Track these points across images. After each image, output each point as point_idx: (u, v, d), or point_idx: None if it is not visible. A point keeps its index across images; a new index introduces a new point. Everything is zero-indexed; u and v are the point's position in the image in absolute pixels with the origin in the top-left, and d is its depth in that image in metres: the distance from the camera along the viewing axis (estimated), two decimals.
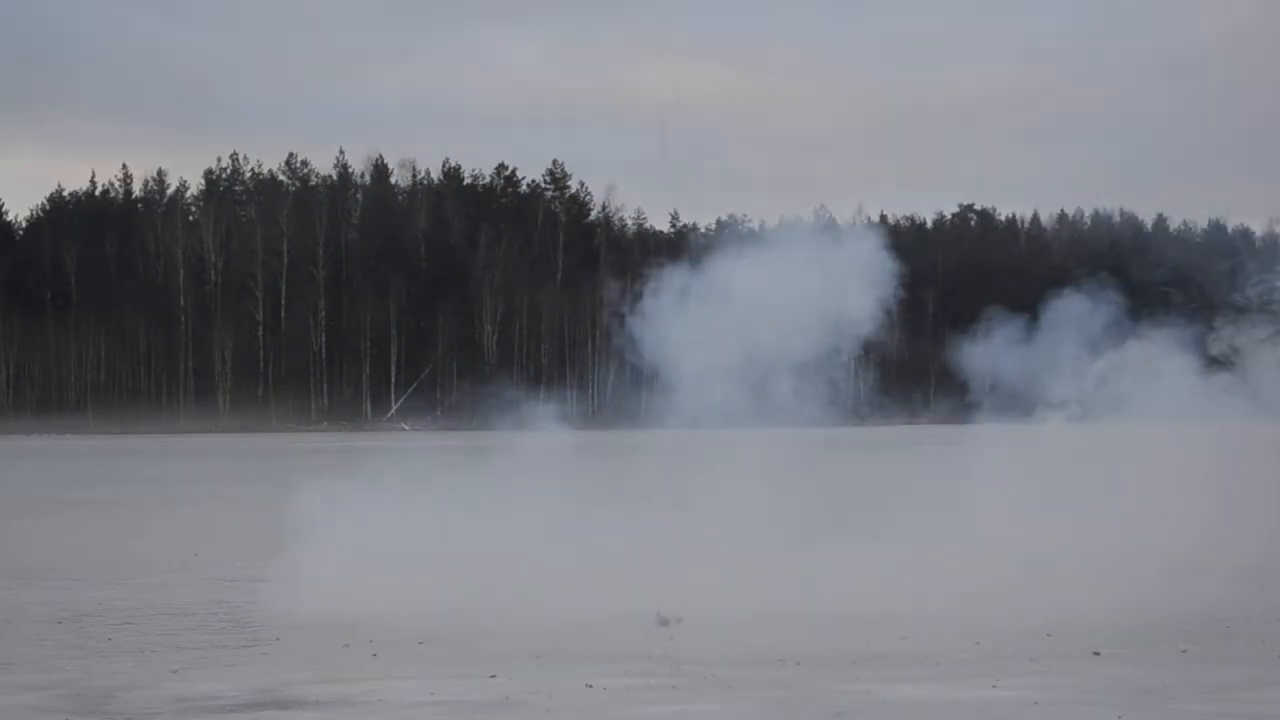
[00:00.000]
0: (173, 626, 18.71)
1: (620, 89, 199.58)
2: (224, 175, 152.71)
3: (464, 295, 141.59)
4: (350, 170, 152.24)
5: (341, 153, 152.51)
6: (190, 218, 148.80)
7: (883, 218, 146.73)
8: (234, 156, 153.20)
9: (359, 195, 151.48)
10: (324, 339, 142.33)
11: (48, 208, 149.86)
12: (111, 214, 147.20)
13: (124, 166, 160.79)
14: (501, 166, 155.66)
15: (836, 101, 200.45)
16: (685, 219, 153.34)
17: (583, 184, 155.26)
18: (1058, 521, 21.07)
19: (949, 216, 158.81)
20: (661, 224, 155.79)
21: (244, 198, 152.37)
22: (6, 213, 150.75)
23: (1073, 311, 23.47)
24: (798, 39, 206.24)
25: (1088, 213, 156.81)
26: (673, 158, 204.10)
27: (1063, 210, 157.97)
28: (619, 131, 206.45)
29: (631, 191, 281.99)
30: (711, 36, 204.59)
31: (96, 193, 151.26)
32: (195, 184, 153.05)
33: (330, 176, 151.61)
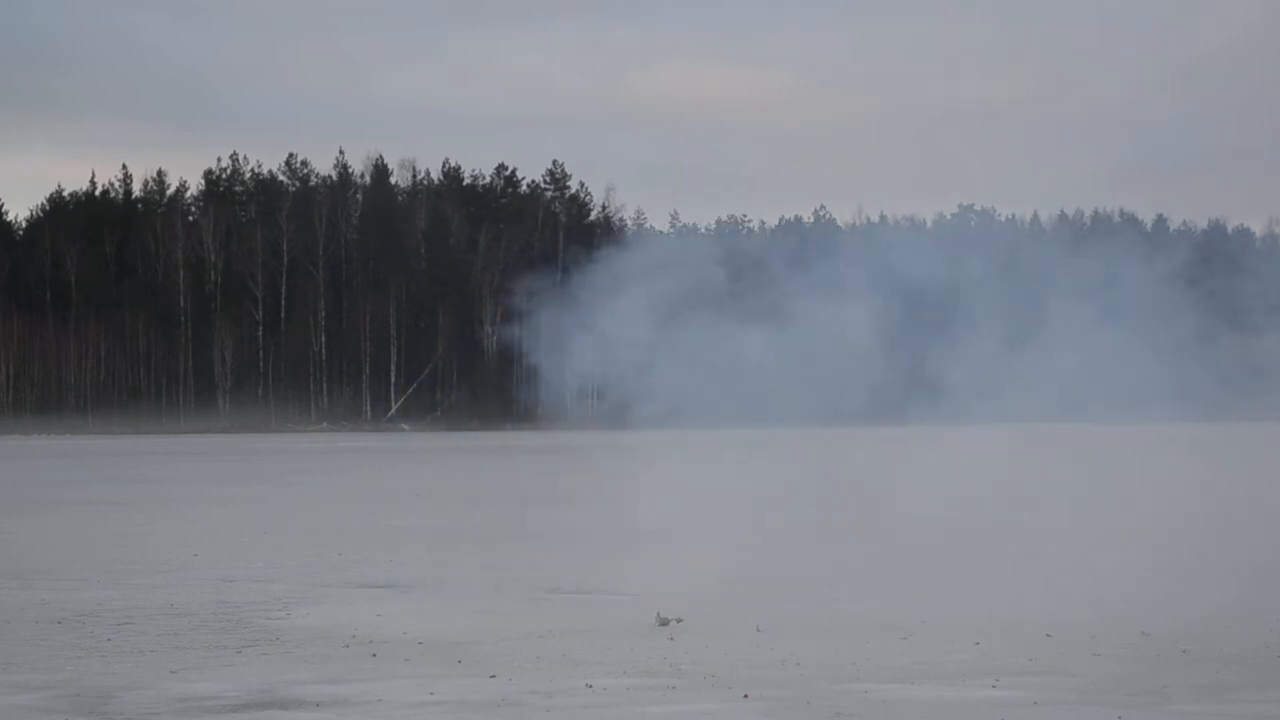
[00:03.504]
0: (173, 626, 18.69)
1: (621, 89, 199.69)
2: (224, 175, 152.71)
3: (464, 295, 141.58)
4: (350, 170, 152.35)
5: (341, 153, 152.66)
6: (190, 218, 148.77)
7: (883, 218, 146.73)
8: (234, 156, 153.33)
9: (359, 195, 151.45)
10: (324, 339, 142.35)
11: (48, 208, 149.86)
12: (111, 214, 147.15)
13: (124, 166, 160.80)
14: (501, 166, 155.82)
15: (837, 102, 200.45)
16: (685, 219, 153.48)
17: (583, 184, 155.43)
18: None
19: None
20: (661, 224, 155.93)
21: (244, 198, 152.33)
22: (6, 213, 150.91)
23: None
24: (799, 40, 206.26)
25: (1088, 213, 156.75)
26: (672, 158, 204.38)
27: (1062, 210, 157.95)
28: (619, 131, 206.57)
29: (631, 191, 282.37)
30: (712, 37, 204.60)
31: (96, 193, 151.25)
32: (195, 184, 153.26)
33: (330, 176, 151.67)
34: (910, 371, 26.18)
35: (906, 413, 27.59)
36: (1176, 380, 25.16)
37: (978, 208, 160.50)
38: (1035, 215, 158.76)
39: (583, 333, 24.34)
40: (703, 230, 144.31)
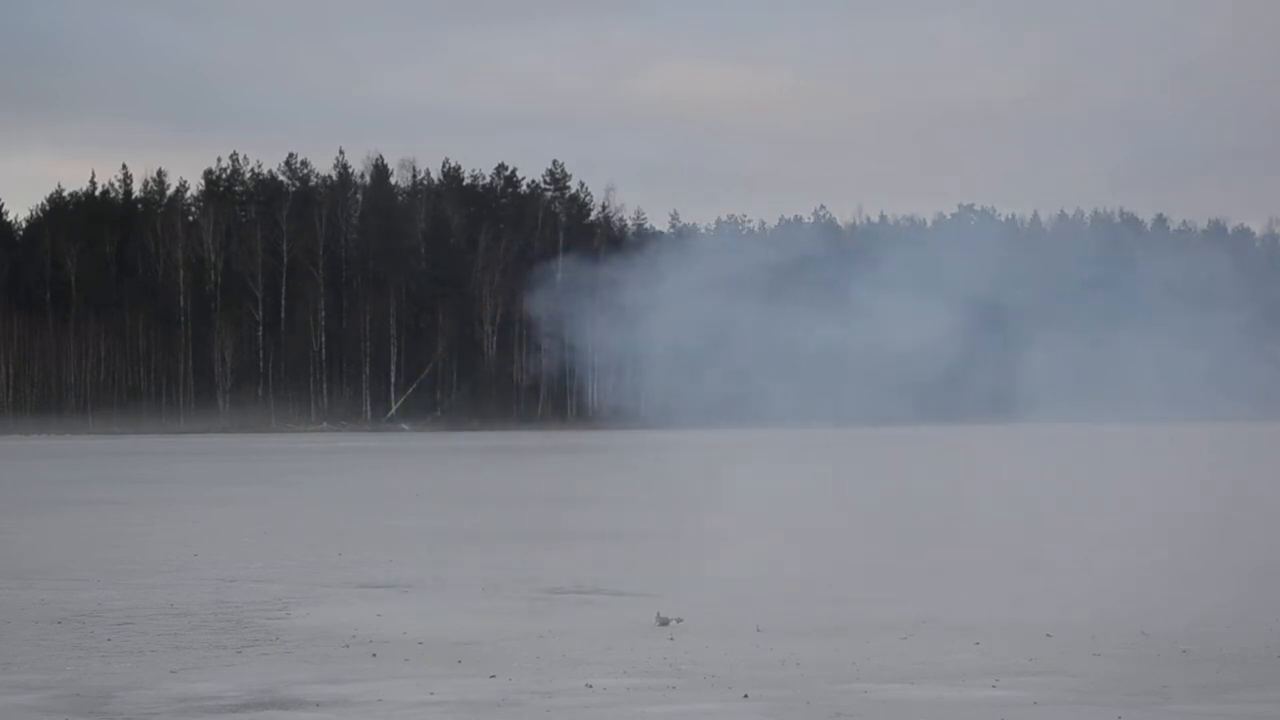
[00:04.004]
0: (173, 626, 18.70)
1: (621, 89, 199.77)
2: (224, 175, 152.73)
3: (464, 295, 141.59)
4: (350, 170, 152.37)
5: (341, 153, 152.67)
6: (190, 218, 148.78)
7: (883, 217, 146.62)
8: (234, 156, 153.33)
9: (359, 195, 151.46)
10: (324, 339, 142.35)
11: (48, 208, 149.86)
12: (111, 214, 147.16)
13: (124, 166, 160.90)
14: (501, 166, 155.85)
15: (837, 102, 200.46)
16: (685, 219, 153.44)
17: (583, 184, 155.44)
18: None
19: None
20: (661, 224, 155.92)
21: (244, 198, 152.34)
22: (6, 213, 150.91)
23: None
24: (799, 40, 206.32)
25: (1088, 213, 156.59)
26: (672, 158, 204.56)
27: (1062, 210, 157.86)
28: (619, 131, 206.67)
29: (631, 191, 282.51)
30: (712, 37, 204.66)
31: (96, 193, 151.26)
32: (195, 184, 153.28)
33: (330, 176, 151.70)
34: (970, 373, 26.14)
35: (966, 414, 27.62)
36: (1233, 379, 25.21)
37: (978, 208, 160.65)
38: (1035, 215, 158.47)
39: (620, 330, 24.25)
40: (703, 230, 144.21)
